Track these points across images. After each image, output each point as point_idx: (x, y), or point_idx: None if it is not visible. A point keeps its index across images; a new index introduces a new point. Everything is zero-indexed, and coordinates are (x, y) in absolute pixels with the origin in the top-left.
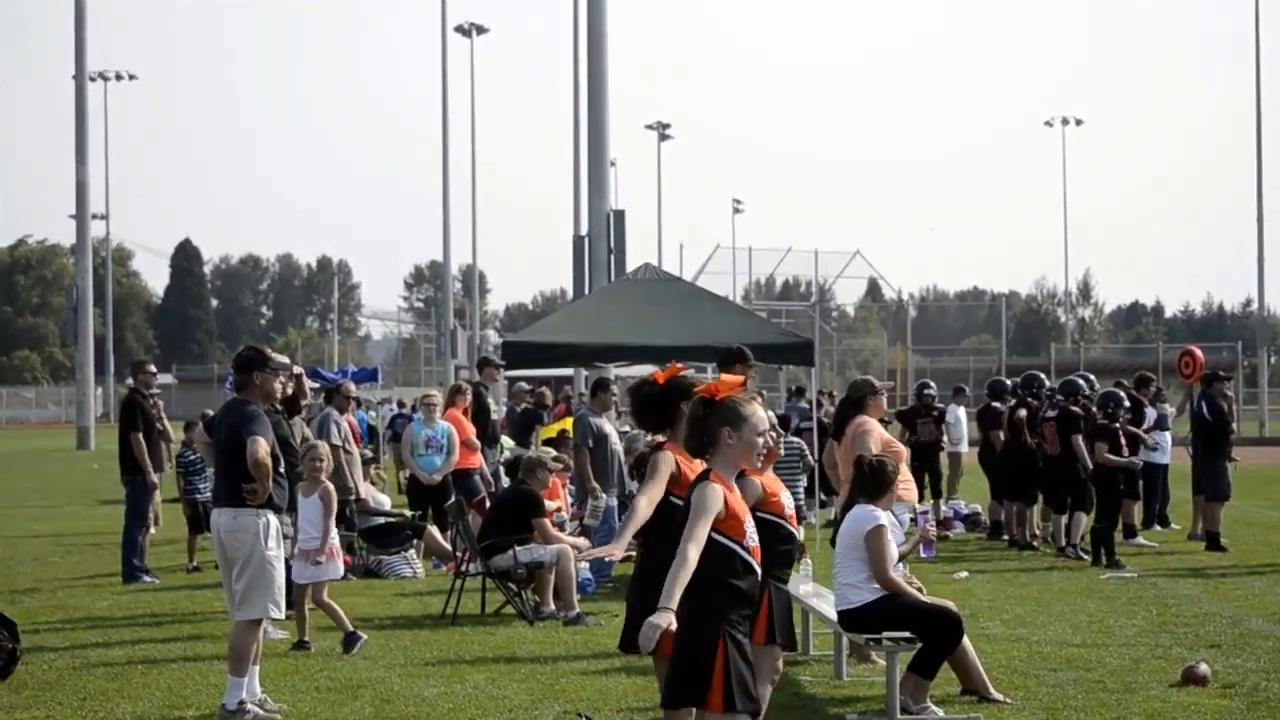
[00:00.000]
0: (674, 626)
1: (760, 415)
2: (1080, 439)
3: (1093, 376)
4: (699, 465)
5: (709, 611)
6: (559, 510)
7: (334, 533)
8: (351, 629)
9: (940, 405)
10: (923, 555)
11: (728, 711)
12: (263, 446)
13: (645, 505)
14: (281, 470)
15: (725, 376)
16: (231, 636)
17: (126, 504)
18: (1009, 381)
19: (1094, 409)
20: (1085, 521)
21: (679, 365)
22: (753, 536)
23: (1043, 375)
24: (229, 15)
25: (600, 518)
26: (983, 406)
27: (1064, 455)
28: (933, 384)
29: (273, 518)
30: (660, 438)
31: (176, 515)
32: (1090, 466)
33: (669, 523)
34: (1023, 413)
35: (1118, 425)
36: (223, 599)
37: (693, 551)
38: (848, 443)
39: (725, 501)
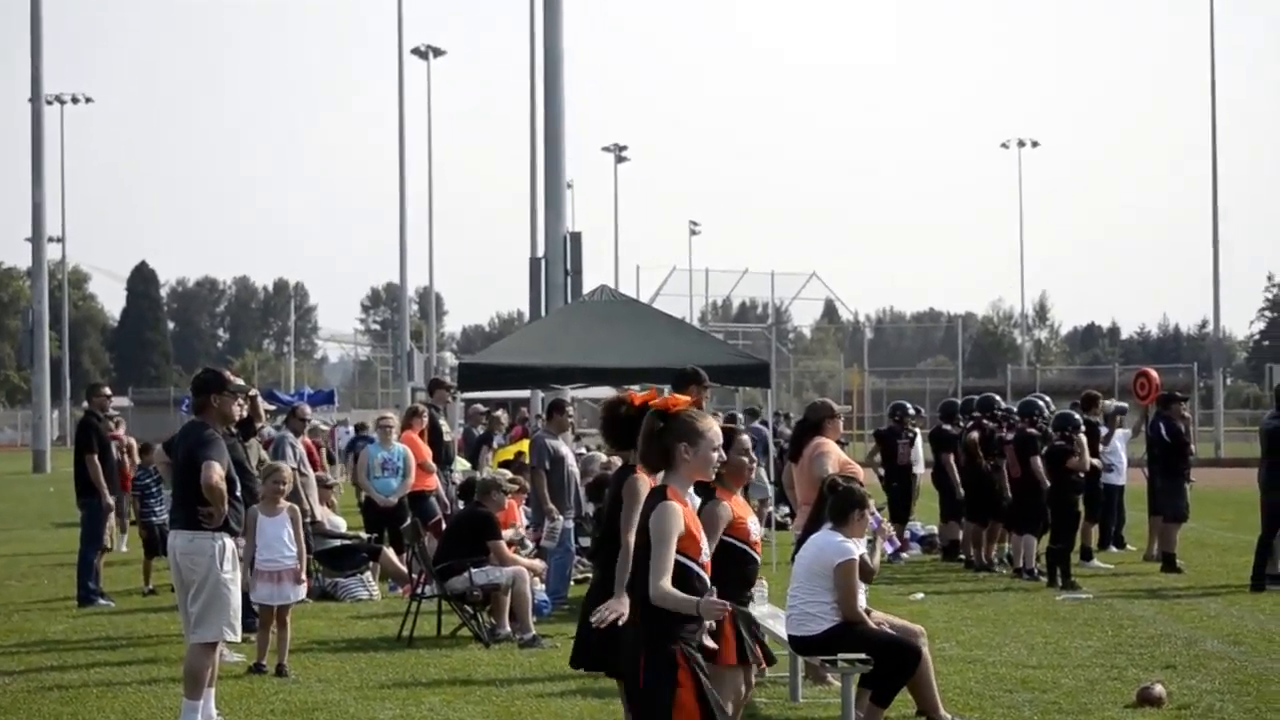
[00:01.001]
0: (702, 606)
1: (716, 430)
2: (1039, 460)
3: (1049, 398)
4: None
5: (664, 631)
6: (515, 532)
7: (292, 553)
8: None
9: (915, 427)
10: (888, 550)
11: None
12: (217, 471)
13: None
14: (237, 494)
15: (677, 396)
16: (187, 659)
17: (82, 527)
18: (960, 402)
19: (1050, 430)
20: (1036, 544)
21: (655, 389)
22: (707, 553)
23: (999, 397)
24: (186, 38)
25: (557, 539)
26: (935, 428)
27: (1023, 477)
28: (908, 405)
29: (229, 541)
30: (619, 459)
31: (132, 537)
32: (1048, 486)
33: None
34: (975, 435)
35: (1074, 447)
36: (179, 621)
37: (665, 585)
38: (804, 464)
39: (684, 519)
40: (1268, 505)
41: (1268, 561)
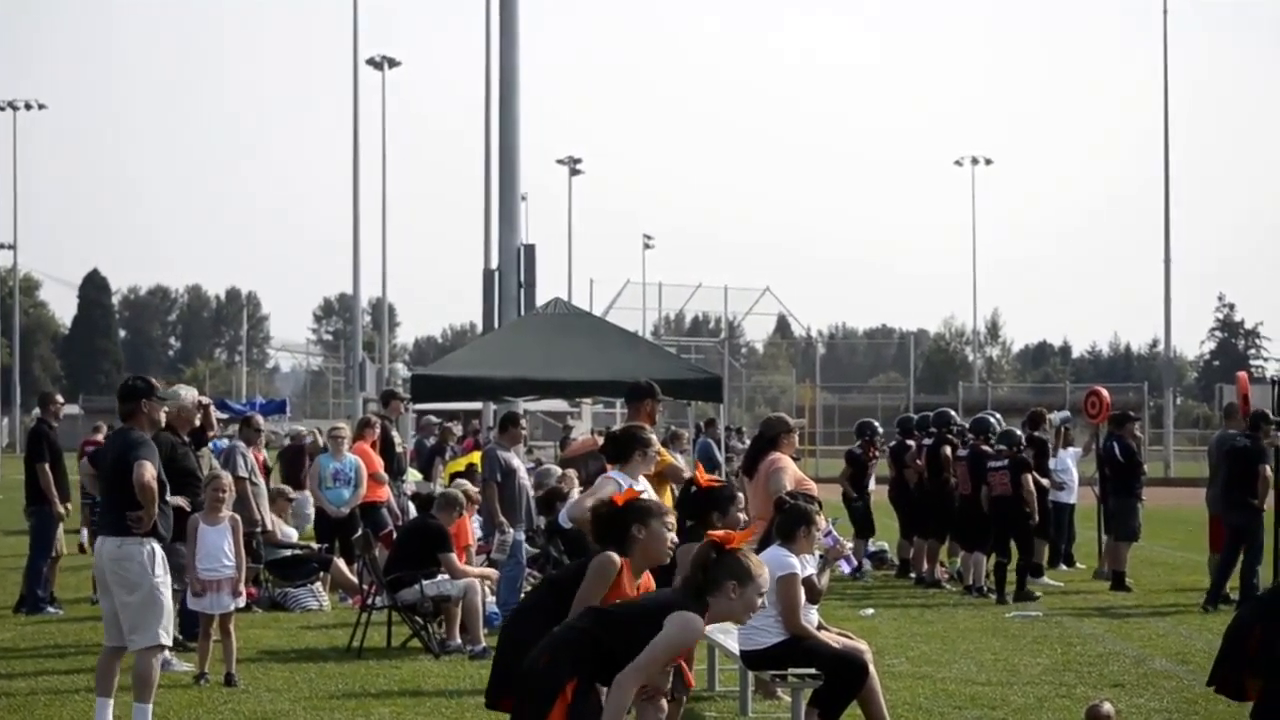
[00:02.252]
0: None
1: (766, 577)
2: (1029, 478)
3: (999, 415)
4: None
5: (571, 662)
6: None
7: (231, 563)
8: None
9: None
10: (845, 570)
11: None
12: (149, 470)
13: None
14: (166, 498)
15: (734, 534)
16: (135, 664)
17: (31, 535)
18: (916, 419)
19: (996, 448)
20: (985, 561)
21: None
22: (689, 679)
23: (953, 412)
24: (139, 46)
25: (507, 552)
26: (895, 443)
27: (975, 494)
28: (876, 424)
29: (157, 546)
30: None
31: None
32: (1028, 505)
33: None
34: (947, 450)
35: (1027, 459)
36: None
37: (631, 690)
38: (760, 480)
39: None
40: (1231, 526)
41: (1225, 582)
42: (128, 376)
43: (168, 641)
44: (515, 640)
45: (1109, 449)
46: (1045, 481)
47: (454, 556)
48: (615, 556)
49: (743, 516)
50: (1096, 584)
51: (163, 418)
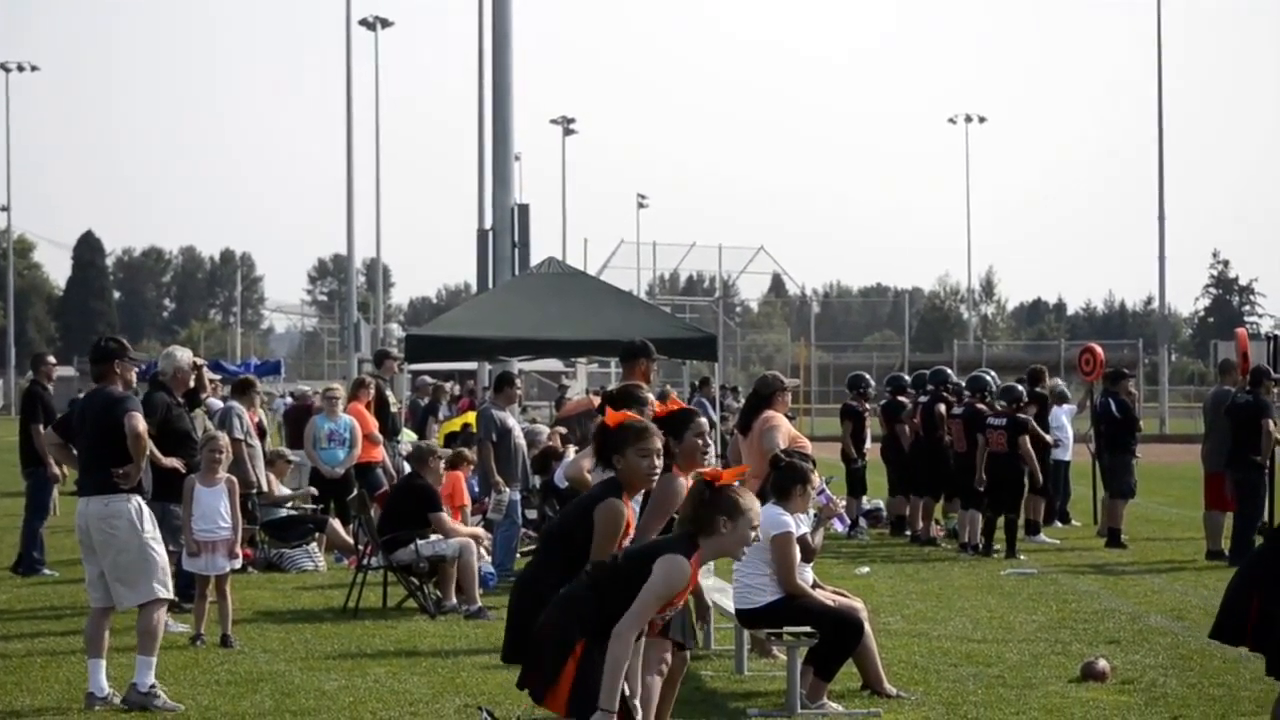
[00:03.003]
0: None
1: (757, 510)
2: (1026, 440)
3: (995, 373)
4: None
5: (579, 620)
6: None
7: (227, 524)
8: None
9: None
10: (839, 529)
11: (571, 716)
12: (140, 421)
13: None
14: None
15: (724, 471)
16: (139, 619)
17: (27, 496)
18: (911, 377)
19: (996, 405)
20: (980, 519)
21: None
22: (676, 609)
23: (949, 370)
24: (131, 6)
25: (503, 512)
26: (887, 401)
27: (970, 452)
28: (868, 376)
29: (142, 501)
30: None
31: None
32: (1027, 462)
33: (577, 527)
34: (941, 408)
35: (1025, 418)
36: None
37: (629, 638)
38: (754, 438)
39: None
40: (1238, 482)
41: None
42: (99, 337)
43: (166, 595)
44: (532, 596)
45: (1104, 406)
46: (1048, 438)
47: (444, 515)
48: (619, 504)
49: (700, 442)
50: (1092, 541)
51: (134, 378)
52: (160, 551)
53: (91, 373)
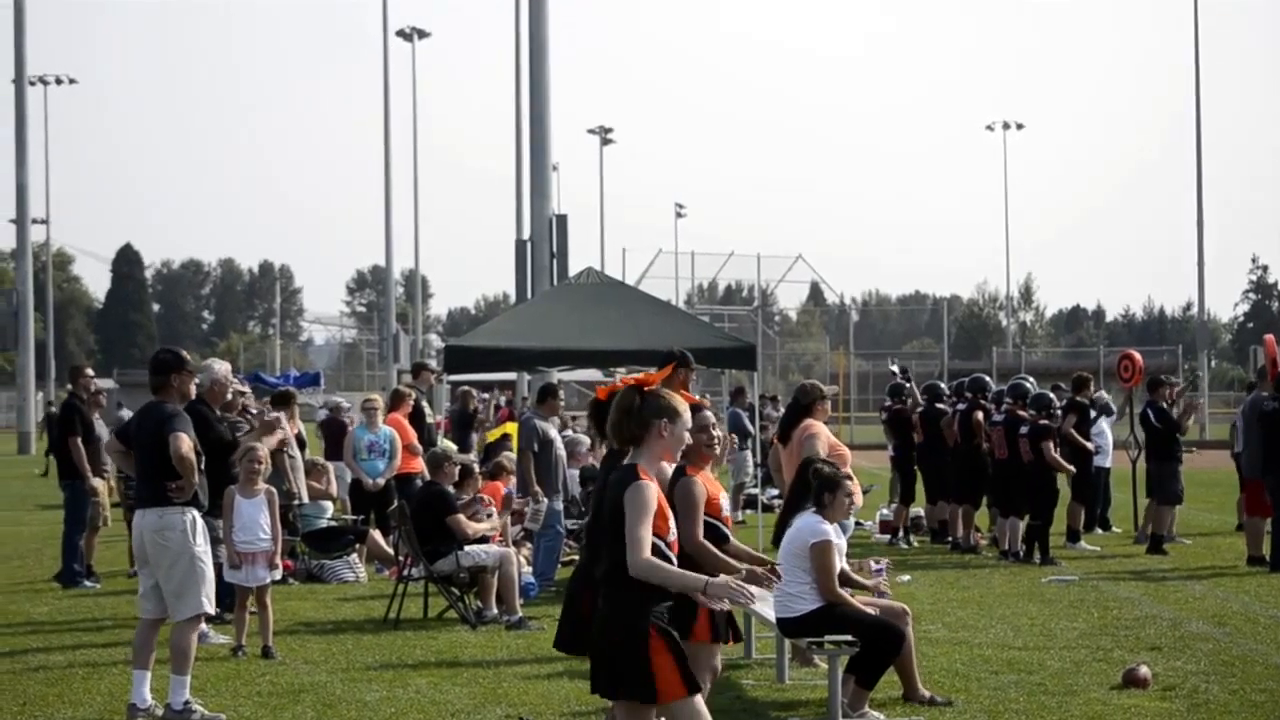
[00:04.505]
0: (710, 586)
1: (688, 412)
2: (1052, 446)
3: (1034, 380)
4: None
5: (635, 607)
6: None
7: (267, 535)
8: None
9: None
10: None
11: (689, 694)
12: (185, 442)
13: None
14: (203, 468)
15: (652, 374)
16: (172, 636)
17: (65, 509)
18: (952, 385)
19: (1031, 412)
20: (1020, 526)
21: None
22: (674, 531)
23: (988, 378)
24: (170, 19)
25: (541, 522)
26: (924, 409)
27: (1011, 459)
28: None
29: (198, 515)
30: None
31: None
32: (1068, 469)
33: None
34: (979, 415)
35: (1056, 426)
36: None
37: (648, 556)
38: (794, 446)
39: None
40: (1274, 488)
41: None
42: (158, 349)
43: (210, 610)
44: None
45: (1144, 414)
46: (1089, 445)
47: (460, 517)
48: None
49: (704, 436)
50: (1133, 548)
51: (193, 390)
52: (209, 566)
53: (150, 384)
